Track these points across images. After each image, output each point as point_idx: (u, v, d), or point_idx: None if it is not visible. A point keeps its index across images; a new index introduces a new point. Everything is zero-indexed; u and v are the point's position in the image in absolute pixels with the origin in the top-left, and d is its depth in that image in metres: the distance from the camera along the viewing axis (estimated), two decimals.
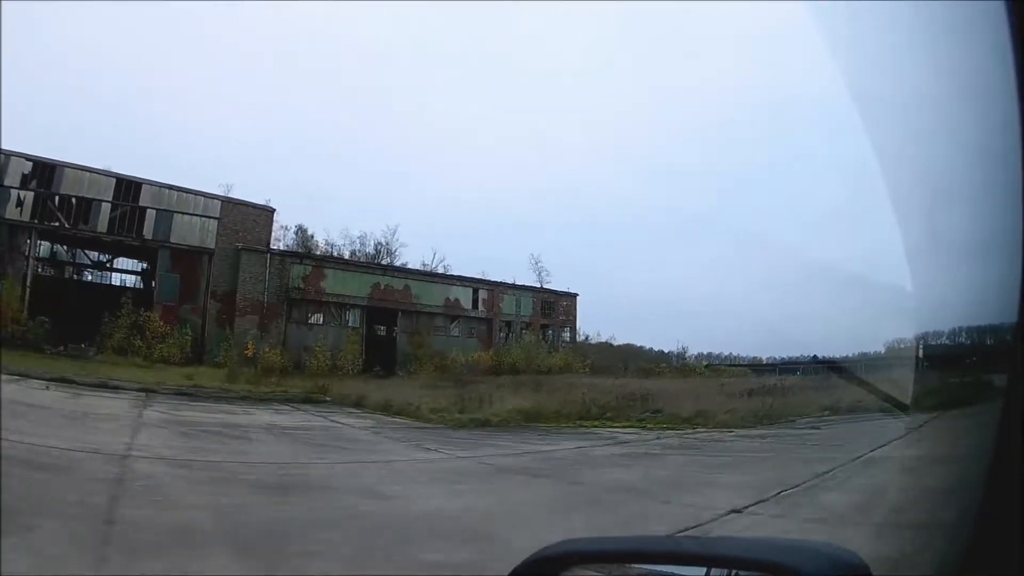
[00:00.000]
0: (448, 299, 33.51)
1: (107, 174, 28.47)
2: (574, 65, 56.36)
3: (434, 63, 56.97)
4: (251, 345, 28.63)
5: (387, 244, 36.22)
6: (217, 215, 30.35)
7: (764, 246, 33.22)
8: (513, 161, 52.69)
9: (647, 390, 19.63)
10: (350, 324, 31.22)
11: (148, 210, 29.59)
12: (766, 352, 35.13)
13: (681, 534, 4.98)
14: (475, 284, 34.78)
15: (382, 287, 31.83)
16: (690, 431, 14.13)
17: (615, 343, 42.33)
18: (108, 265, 34.17)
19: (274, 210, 31.27)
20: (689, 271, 45.60)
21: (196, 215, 30.13)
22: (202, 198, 30.49)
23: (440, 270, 35.50)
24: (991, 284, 1.80)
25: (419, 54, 57.05)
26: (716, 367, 38.98)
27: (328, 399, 20.33)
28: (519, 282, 36.78)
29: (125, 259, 34.00)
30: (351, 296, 31.11)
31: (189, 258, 29.73)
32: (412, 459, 10.07)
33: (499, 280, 35.72)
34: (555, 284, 37.70)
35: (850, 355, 24.75)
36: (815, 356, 29.56)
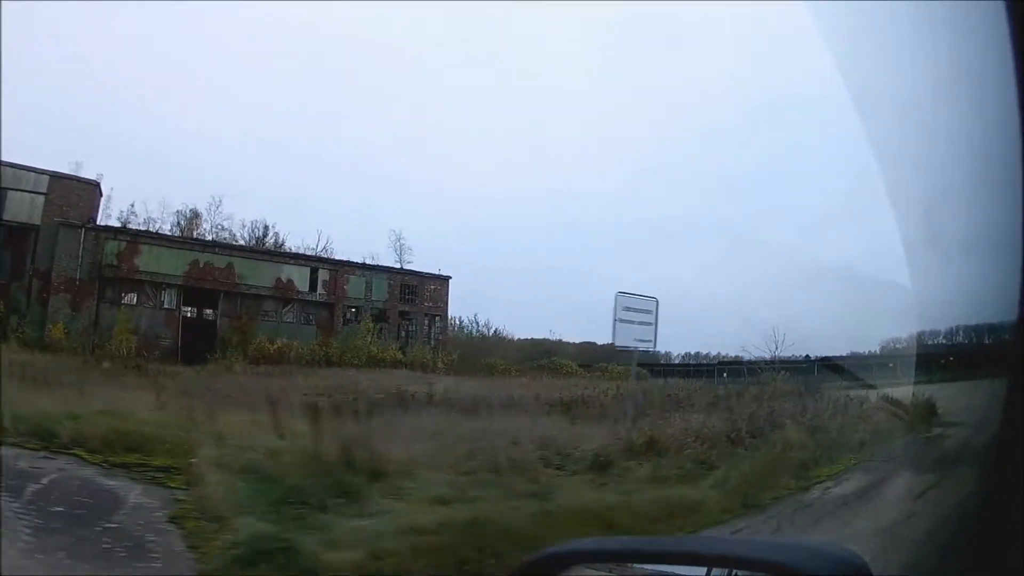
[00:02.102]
0: (279, 279, 30.87)
1: None
2: (569, 64, 55.45)
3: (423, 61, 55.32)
4: (60, 326, 28.02)
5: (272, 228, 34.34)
6: (45, 191, 30.05)
7: (759, 244, 32.32)
8: (506, 161, 50.62)
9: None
10: (165, 305, 29.69)
11: None
12: (758, 352, 32.07)
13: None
14: (314, 263, 31.84)
15: (201, 265, 29.93)
16: None
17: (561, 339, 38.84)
18: None
19: (97, 183, 30.48)
20: (683, 270, 42.82)
21: (27, 191, 30.01)
22: (33, 174, 30.39)
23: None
24: (990, 282, 1.82)
25: (414, 53, 55.49)
26: (603, 366, 32.87)
27: None
28: (380, 262, 33.34)
29: None
30: (166, 275, 29.64)
31: (19, 235, 29.73)
32: None
33: (346, 259, 32.47)
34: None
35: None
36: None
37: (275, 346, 28.30)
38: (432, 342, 33.92)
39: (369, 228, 53.60)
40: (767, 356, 31.37)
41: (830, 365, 24.88)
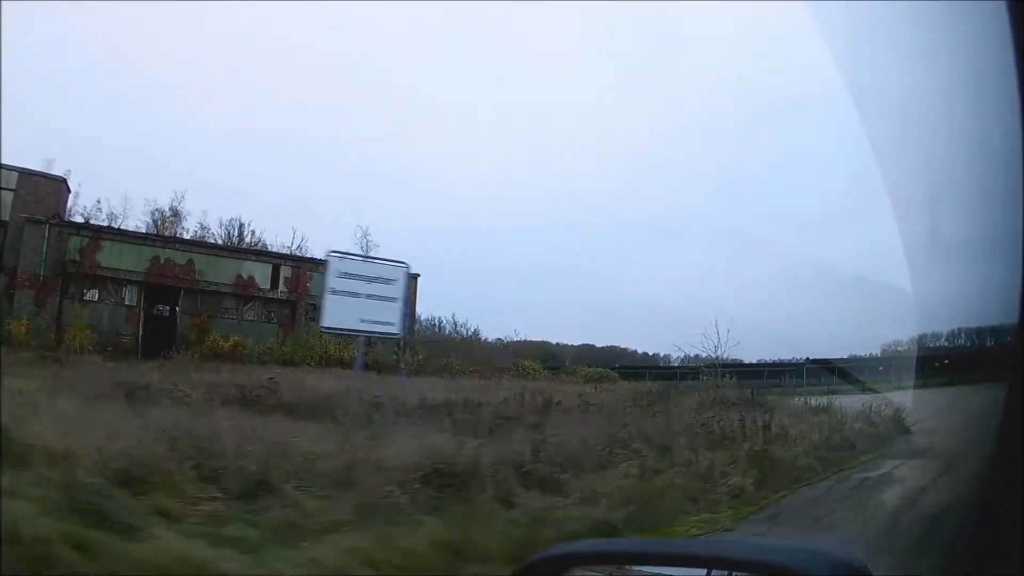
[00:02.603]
0: (240, 276, 30.40)
1: None
2: (567, 64, 55.19)
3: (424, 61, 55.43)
4: (24, 322, 28.15)
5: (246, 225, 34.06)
6: (13, 187, 30.28)
7: (760, 246, 31.36)
8: (505, 162, 50.81)
9: None
10: (126, 302, 29.59)
11: None
12: (758, 355, 31.97)
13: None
14: (276, 260, 31.29)
15: (162, 261, 29.71)
16: None
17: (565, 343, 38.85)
18: None
19: (64, 180, 30.56)
20: (686, 273, 42.79)
21: None
22: (3, 171, 30.59)
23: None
24: (992, 284, 1.80)
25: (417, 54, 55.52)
26: (571, 369, 31.44)
27: None
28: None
29: None
30: (127, 271, 29.51)
31: None
32: None
33: (311, 256, 31.83)
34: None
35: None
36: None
37: (228, 344, 27.82)
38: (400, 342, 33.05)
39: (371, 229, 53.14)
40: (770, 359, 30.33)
41: (825, 367, 24.07)
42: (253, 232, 34.23)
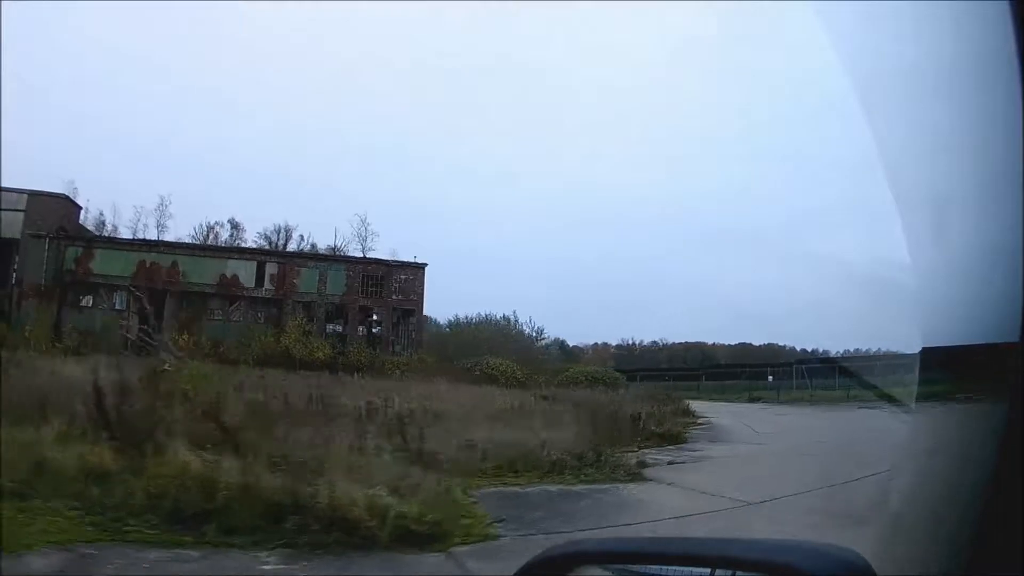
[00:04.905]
0: (224, 276, 28.96)
1: None
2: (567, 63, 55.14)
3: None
4: (28, 329, 28.19)
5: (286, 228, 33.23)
6: (23, 208, 31.19)
7: (766, 244, 31.60)
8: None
9: None
10: (117, 307, 28.94)
11: None
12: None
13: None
14: (260, 256, 29.62)
15: (148, 265, 28.95)
16: None
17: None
18: None
19: (67, 196, 31.06)
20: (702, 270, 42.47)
21: (9, 210, 31.36)
22: (14, 194, 31.76)
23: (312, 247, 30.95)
24: (996, 282, 1.79)
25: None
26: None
27: None
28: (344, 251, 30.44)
29: None
30: (116, 276, 29.06)
31: (4, 250, 30.97)
32: None
33: (295, 251, 29.93)
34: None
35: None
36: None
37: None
38: (404, 340, 30.03)
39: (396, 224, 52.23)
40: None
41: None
42: (302, 237, 32.88)
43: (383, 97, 55.42)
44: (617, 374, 27.14)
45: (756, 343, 40.78)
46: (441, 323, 35.38)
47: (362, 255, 30.34)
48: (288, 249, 31.94)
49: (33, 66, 42.40)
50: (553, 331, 40.22)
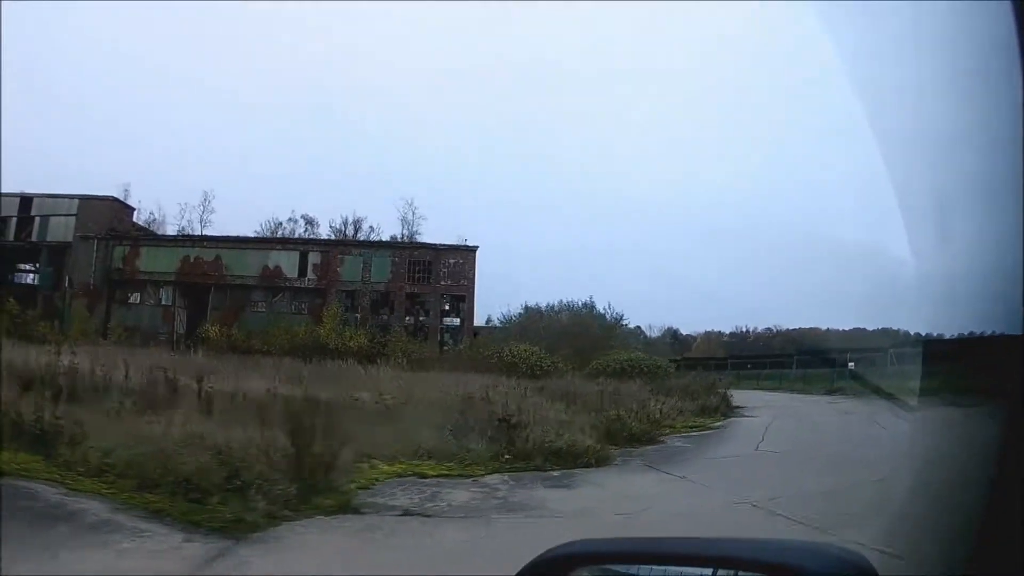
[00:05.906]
0: (267, 267, 28.14)
1: (14, 195, 32.13)
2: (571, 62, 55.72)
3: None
4: (77, 326, 28.08)
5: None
6: (75, 212, 31.56)
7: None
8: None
9: None
10: (163, 302, 28.50)
11: (35, 218, 32.37)
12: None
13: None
14: (303, 246, 28.68)
15: (192, 260, 28.46)
16: None
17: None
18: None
19: (116, 199, 31.22)
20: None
21: (62, 215, 31.82)
22: (65, 200, 32.24)
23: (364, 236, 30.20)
24: (999, 277, 1.79)
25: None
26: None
27: None
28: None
29: None
30: (161, 272, 28.73)
31: (58, 253, 31.40)
32: None
33: (340, 239, 28.88)
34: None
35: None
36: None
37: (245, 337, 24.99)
38: (452, 329, 28.31)
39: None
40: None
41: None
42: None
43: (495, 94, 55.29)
44: (662, 361, 24.37)
45: (870, 328, 38.32)
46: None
47: (406, 239, 28.98)
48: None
49: (87, 77, 43.88)
50: (664, 321, 39.31)
